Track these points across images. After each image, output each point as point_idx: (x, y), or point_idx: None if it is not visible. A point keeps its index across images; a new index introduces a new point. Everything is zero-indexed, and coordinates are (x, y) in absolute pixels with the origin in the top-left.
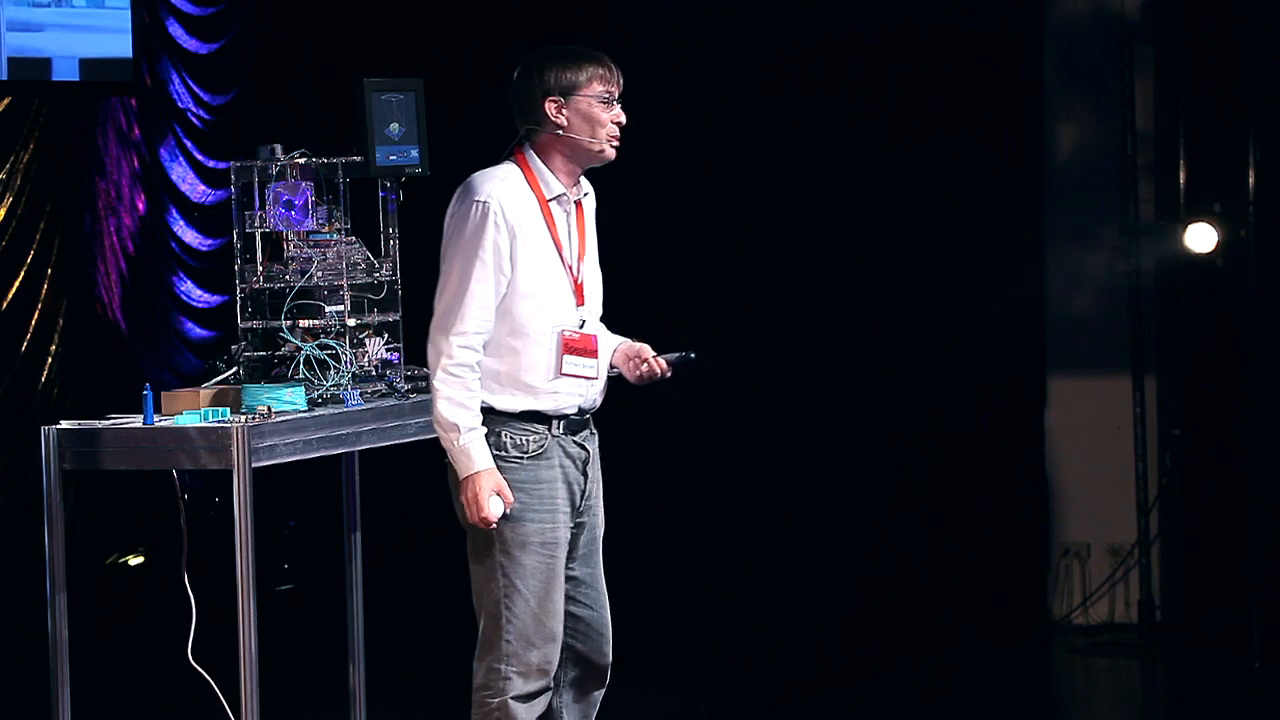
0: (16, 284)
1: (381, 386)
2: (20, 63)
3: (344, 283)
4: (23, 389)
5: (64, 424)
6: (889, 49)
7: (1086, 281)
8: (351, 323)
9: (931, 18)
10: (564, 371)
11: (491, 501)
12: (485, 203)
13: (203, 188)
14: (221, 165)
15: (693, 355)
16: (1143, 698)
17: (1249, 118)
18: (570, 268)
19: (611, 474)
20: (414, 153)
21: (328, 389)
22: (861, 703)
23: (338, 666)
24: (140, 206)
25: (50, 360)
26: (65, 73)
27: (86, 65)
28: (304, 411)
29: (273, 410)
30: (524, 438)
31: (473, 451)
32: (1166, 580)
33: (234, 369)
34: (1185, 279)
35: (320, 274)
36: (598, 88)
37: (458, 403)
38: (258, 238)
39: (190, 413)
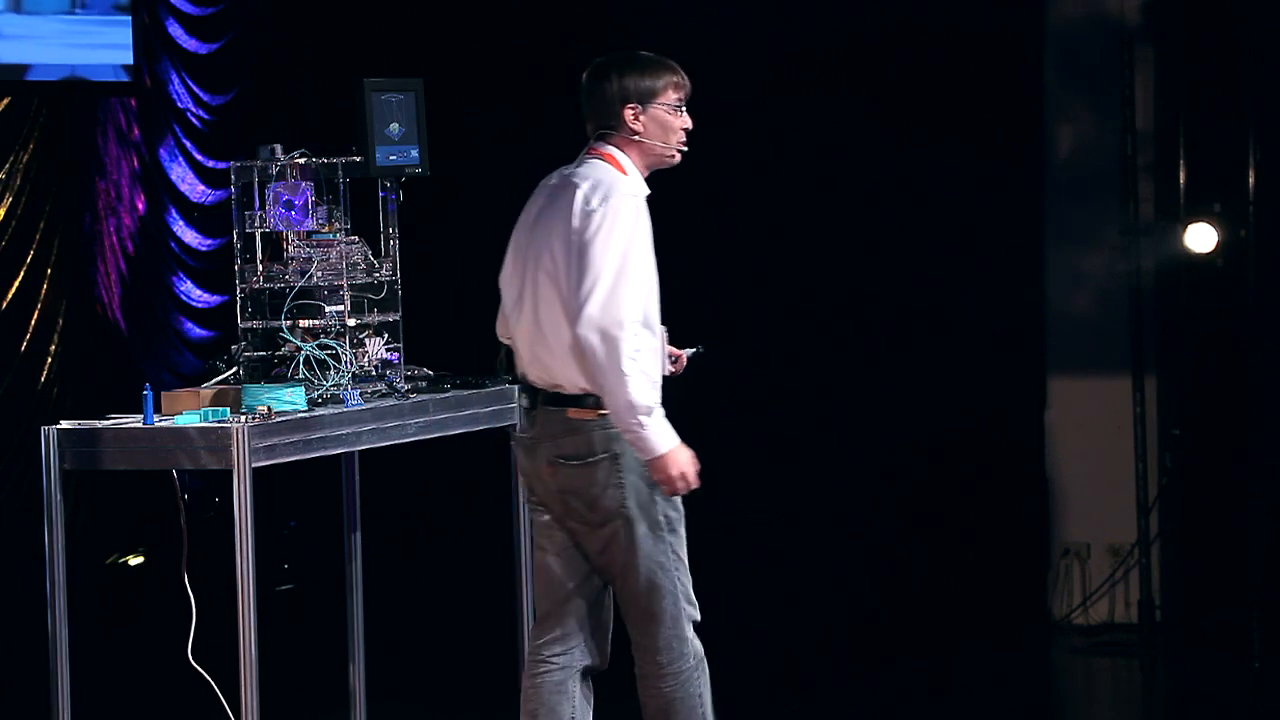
0: (16, 284)
1: (381, 386)
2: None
3: (344, 283)
4: (23, 389)
5: (64, 424)
6: (889, 50)
7: (1086, 281)
8: (351, 323)
9: (931, 18)
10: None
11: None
12: (635, 198)
13: (202, 188)
14: (221, 165)
15: (701, 349)
16: (1143, 698)
17: (1249, 118)
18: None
19: None
20: (414, 153)
21: (328, 389)
22: (861, 703)
23: (338, 666)
24: (140, 206)
25: (50, 360)
26: (65, 73)
27: (86, 66)
28: (304, 411)
29: (273, 410)
30: None
31: (667, 428)
32: (1166, 580)
33: (234, 369)
34: (1185, 279)
35: (320, 274)
36: (672, 96)
37: (648, 383)
38: (258, 238)
39: (190, 413)
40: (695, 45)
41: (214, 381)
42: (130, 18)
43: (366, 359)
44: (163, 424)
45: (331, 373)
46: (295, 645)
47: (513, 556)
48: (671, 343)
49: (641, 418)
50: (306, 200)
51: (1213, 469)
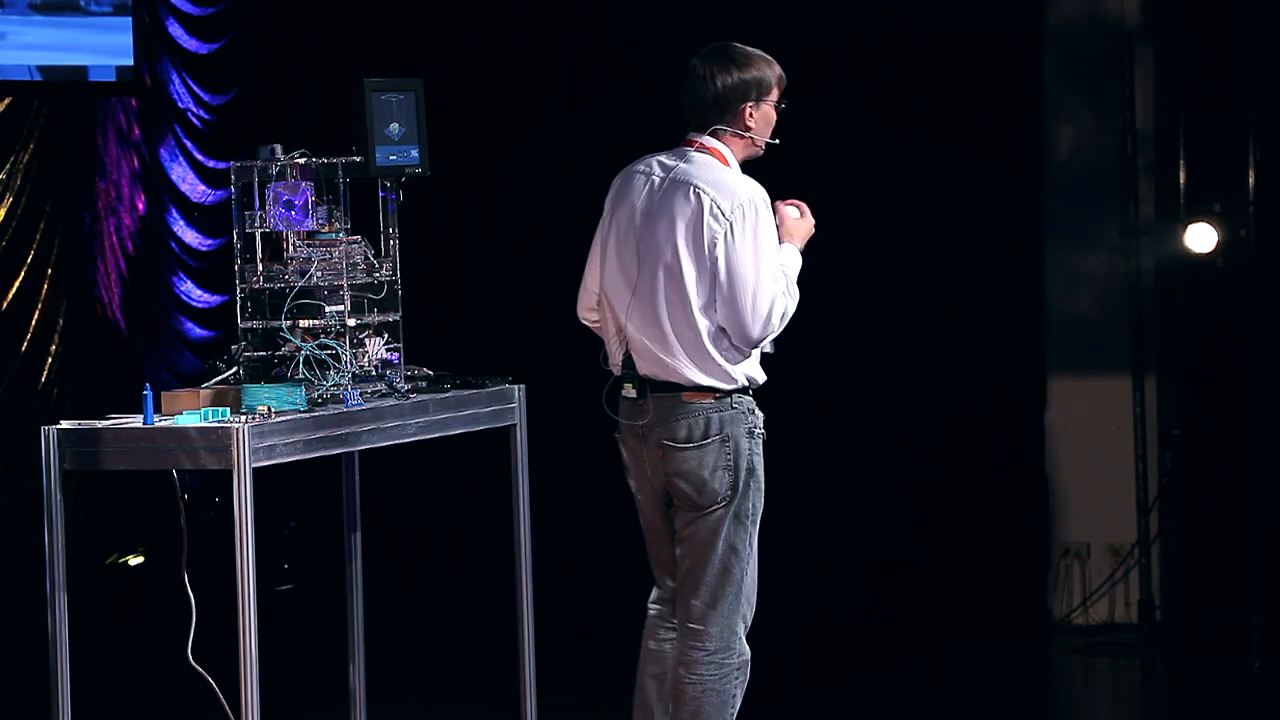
0: (17, 284)
1: (381, 386)
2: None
3: (344, 283)
4: (23, 389)
5: (64, 424)
6: (889, 50)
7: (1086, 281)
8: (351, 323)
9: (931, 19)
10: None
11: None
12: (764, 198)
13: (203, 188)
14: (222, 165)
15: None
16: (1143, 698)
17: (1249, 118)
18: None
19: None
20: (414, 153)
21: (328, 389)
22: (861, 703)
23: (338, 666)
24: (140, 206)
25: (50, 360)
26: (65, 74)
27: (87, 66)
28: (304, 411)
29: (273, 410)
30: (758, 414)
31: (787, 254)
32: (1166, 580)
33: (234, 369)
34: (1185, 279)
35: (320, 274)
36: (777, 92)
37: (784, 289)
38: (258, 238)
39: (190, 413)
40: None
41: (214, 381)
42: (130, 18)
43: (366, 359)
44: (163, 424)
45: (331, 373)
46: (295, 645)
47: (513, 556)
48: None
49: (790, 275)
50: (306, 200)
51: (1213, 469)
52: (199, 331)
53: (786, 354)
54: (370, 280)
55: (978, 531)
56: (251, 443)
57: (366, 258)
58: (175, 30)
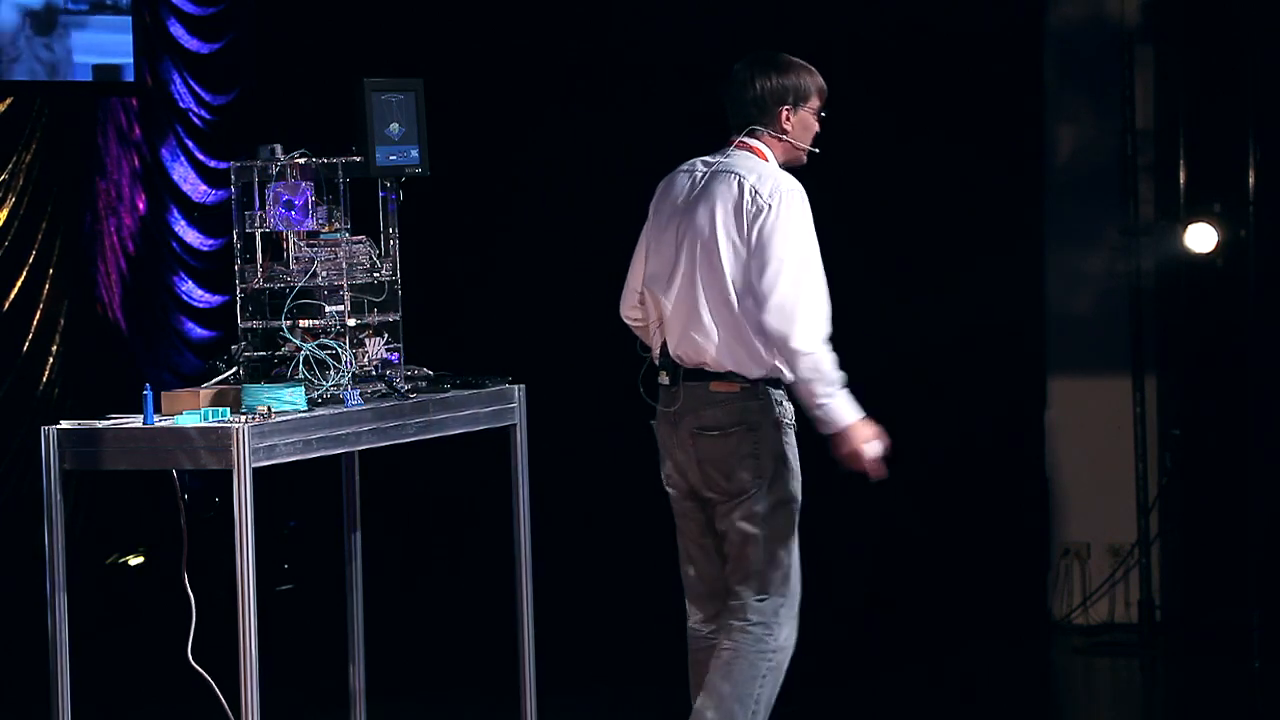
0: (18, 285)
1: (381, 386)
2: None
3: (344, 283)
4: (24, 389)
5: (64, 424)
6: (888, 49)
7: (1086, 281)
8: (351, 323)
9: (931, 18)
10: None
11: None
12: (801, 190)
13: (204, 188)
14: (223, 165)
15: None
16: (1143, 698)
17: (1249, 118)
18: None
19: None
20: (414, 153)
21: (328, 389)
22: (861, 703)
23: (338, 666)
24: (141, 206)
25: (51, 360)
26: (67, 73)
27: (87, 66)
28: (304, 411)
29: (273, 410)
30: (787, 406)
31: (851, 403)
32: (1166, 580)
33: (234, 369)
34: (1185, 279)
35: (321, 274)
36: (817, 102)
37: (833, 360)
38: (258, 238)
39: (190, 413)
40: (694, 46)
41: (214, 381)
42: (131, 18)
43: (366, 359)
44: (163, 424)
45: (331, 373)
46: (295, 645)
47: (513, 556)
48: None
49: (832, 389)
50: (306, 200)
51: (1213, 469)
52: (200, 331)
53: None
54: (370, 280)
55: (978, 531)
56: (251, 443)
57: (370, 258)
58: (176, 30)
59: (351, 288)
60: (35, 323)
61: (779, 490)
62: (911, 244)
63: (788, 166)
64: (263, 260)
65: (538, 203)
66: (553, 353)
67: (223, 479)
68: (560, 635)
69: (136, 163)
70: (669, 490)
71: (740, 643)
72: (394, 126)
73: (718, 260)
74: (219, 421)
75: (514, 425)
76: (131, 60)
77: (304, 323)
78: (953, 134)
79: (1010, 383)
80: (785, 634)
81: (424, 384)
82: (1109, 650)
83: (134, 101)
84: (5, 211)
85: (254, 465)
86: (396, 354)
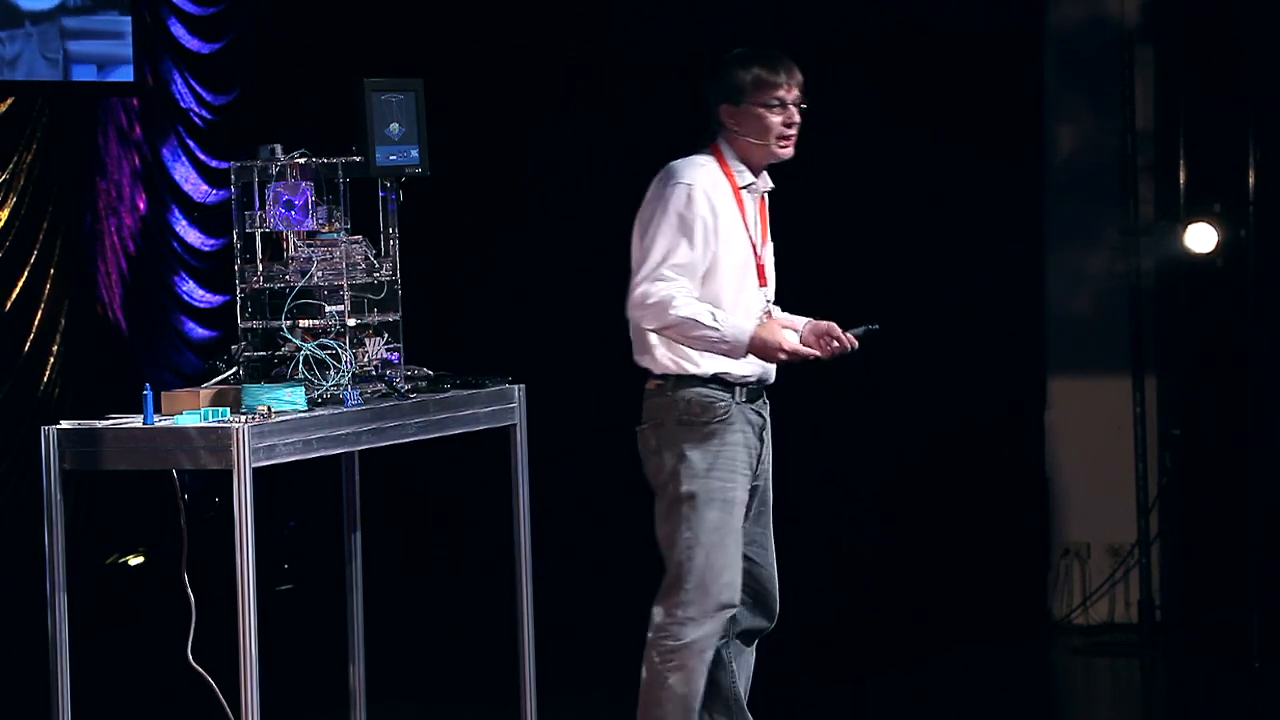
0: (20, 285)
1: (381, 386)
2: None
3: (344, 283)
4: (24, 389)
5: (64, 424)
6: (888, 49)
7: (1086, 281)
8: (351, 323)
9: (931, 18)
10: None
11: (786, 334)
12: (690, 185)
13: (204, 187)
14: (224, 165)
15: (876, 326)
16: (1143, 698)
17: (1249, 118)
18: (755, 251)
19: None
20: (414, 153)
21: (328, 389)
22: (861, 702)
23: (338, 666)
24: (141, 206)
25: (52, 360)
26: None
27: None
28: (304, 411)
29: (273, 410)
30: (713, 401)
31: (731, 319)
32: (1166, 580)
33: (234, 369)
34: (1185, 279)
35: (320, 274)
36: (764, 95)
37: (679, 302)
38: (258, 238)
39: (190, 413)
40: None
41: (214, 381)
42: (131, 17)
43: (366, 359)
44: (163, 424)
45: (331, 373)
46: (295, 645)
47: (513, 556)
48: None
49: (698, 327)
50: (306, 200)
51: (1213, 469)
52: (200, 331)
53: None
54: (370, 280)
55: (978, 531)
56: (251, 443)
57: (367, 257)
58: (177, 30)
59: (351, 288)
60: (36, 323)
61: (674, 489)
62: (911, 244)
63: (766, 162)
64: (263, 260)
65: (538, 203)
66: (553, 353)
67: (223, 479)
68: (560, 635)
69: (137, 162)
70: None
71: (648, 656)
72: (394, 126)
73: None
74: (219, 421)
75: (514, 425)
76: (132, 60)
77: (304, 323)
78: (953, 134)
79: (1010, 383)
80: (689, 633)
81: (424, 384)
82: (1109, 650)
83: (135, 101)
84: (6, 211)
85: (254, 465)
86: (396, 354)
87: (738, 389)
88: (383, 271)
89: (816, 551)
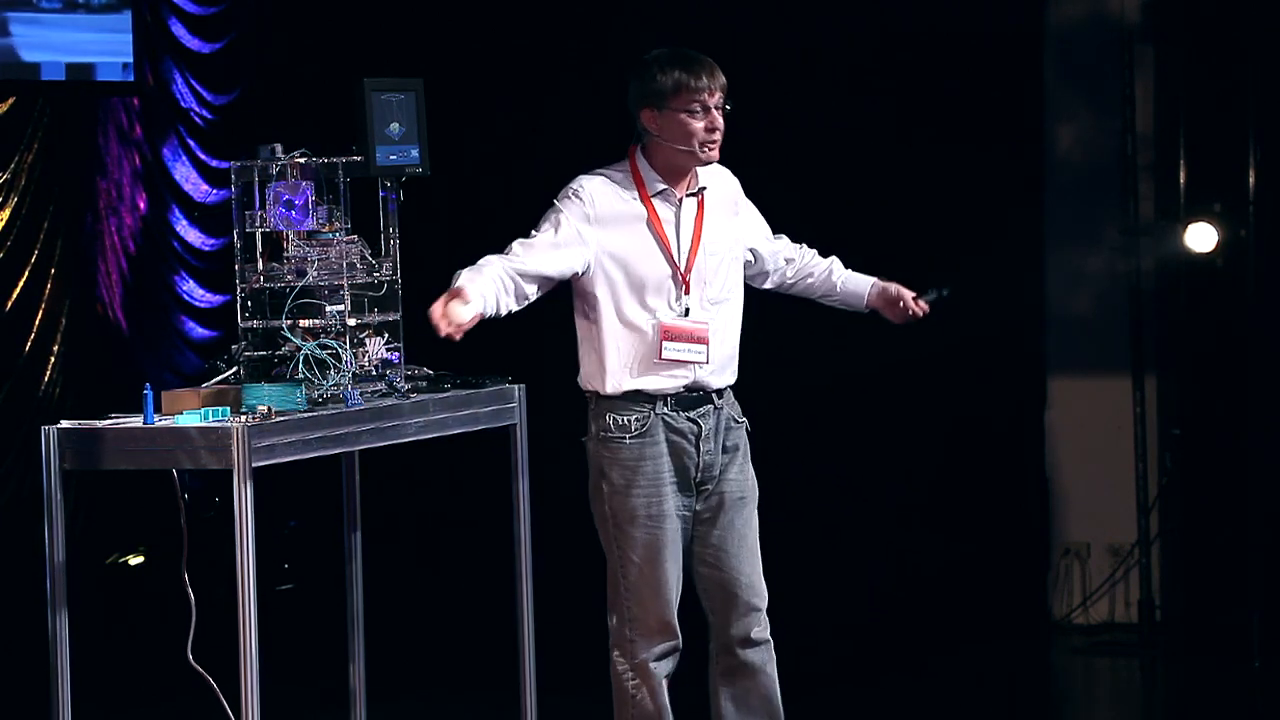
0: (20, 285)
1: (381, 386)
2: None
3: (344, 282)
4: (25, 389)
5: (64, 424)
6: (889, 50)
7: (1086, 281)
8: (352, 322)
9: (931, 18)
10: (664, 357)
11: (454, 307)
12: (576, 190)
13: (205, 187)
14: (224, 164)
15: (945, 292)
16: (1143, 698)
17: (1249, 118)
18: (673, 258)
19: None
20: (414, 153)
21: (328, 389)
22: (861, 703)
23: (338, 666)
24: (141, 206)
25: (52, 360)
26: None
27: (88, 65)
28: (304, 411)
29: (273, 410)
30: (627, 418)
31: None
32: (1166, 580)
33: (234, 369)
34: (1185, 279)
35: (320, 274)
36: (686, 100)
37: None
38: (258, 237)
39: (190, 413)
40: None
41: (214, 381)
42: (131, 17)
43: (366, 359)
44: (163, 424)
45: (331, 373)
46: (295, 645)
47: (513, 556)
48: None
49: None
50: (306, 200)
51: (1213, 469)
52: (200, 331)
53: (786, 354)
54: (370, 280)
55: (978, 531)
56: (251, 443)
57: (364, 257)
58: (178, 30)
59: (351, 287)
60: (36, 323)
61: (600, 508)
62: (911, 244)
63: (699, 165)
64: (263, 260)
65: (538, 202)
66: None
67: (223, 479)
68: (560, 635)
69: (137, 162)
70: None
71: (613, 662)
72: (394, 126)
73: None
74: (219, 421)
75: (514, 425)
76: (132, 60)
77: (304, 322)
78: (953, 134)
79: (1010, 383)
80: (639, 650)
81: (424, 384)
82: (1109, 650)
83: (135, 101)
84: (7, 212)
85: (254, 465)
86: (396, 354)
87: (661, 400)
88: (383, 271)
89: (816, 551)
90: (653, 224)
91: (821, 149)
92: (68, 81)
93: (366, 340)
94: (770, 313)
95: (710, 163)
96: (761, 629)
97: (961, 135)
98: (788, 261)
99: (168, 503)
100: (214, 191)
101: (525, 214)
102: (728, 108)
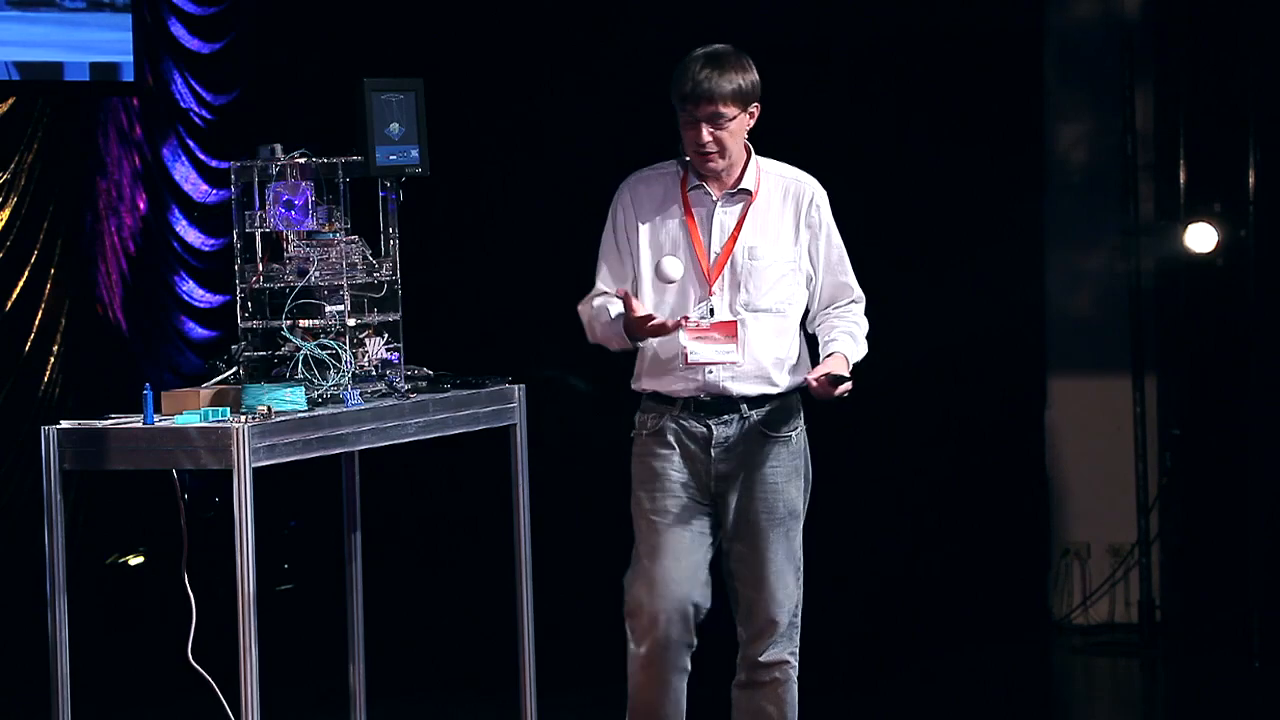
0: (20, 285)
1: (381, 386)
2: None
3: (344, 282)
4: (25, 389)
5: (64, 424)
6: (888, 49)
7: (1086, 281)
8: (351, 323)
9: (932, 18)
10: (690, 361)
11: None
12: (617, 196)
13: (205, 187)
14: (224, 165)
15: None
16: (1143, 698)
17: (1249, 118)
18: (705, 255)
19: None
20: (414, 153)
21: (328, 389)
22: (861, 702)
23: (338, 666)
24: (141, 206)
25: (52, 360)
26: (68, 73)
27: (89, 65)
28: (304, 411)
29: (273, 410)
30: (645, 416)
31: (604, 315)
32: (1166, 580)
33: (234, 369)
34: (1185, 279)
35: (320, 274)
36: (679, 108)
37: (583, 311)
38: (258, 238)
39: (190, 413)
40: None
41: (214, 381)
42: (131, 17)
43: (366, 359)
44: (163, 424)
45: (331, 373)
46: (295, 645)
47: (513, 556)
48: None
49: (594, 325)
50: (306, 200)
51: (1213, 469)
52: (200, 331)
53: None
54: (370, 280)
55: (978, 531)
56: (251, 443)
57: (365, 257)
58: (177, 30)
59: (351, 287)
60: (36, 323)
61: (632, 497)
62: (911, 244)
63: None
64: (262, 260)
65: (538, 202)
66: (553, 353)
67: (223, 479)
68: (560, 635)
69: (137, 162)
70: None
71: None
72: (394, 126)
73: None
74: (219, 421)
75: (514, 425)
76: (132, 60)
77: (304, 323)
78: (953, 133)
79: (1010, 383)
80: (632, 644)
81: (424, 384)
82: (1109, 650)
83: (135, 101)
84: (7, 212)
85: (254, 465)
86: (396, 354)
87: (679, 403)
88: (383, 271)
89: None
90: (685, 221)
91: (821, 149)
92: (68, 81)
93: (366, 340)
94: None
95: (707, 174)
96: (777, 650)
97: (962, 135)
98: (818, 311)
99: (168, 503)
100: (214, 191)
101: (525, 214)
102: (732, 121)
